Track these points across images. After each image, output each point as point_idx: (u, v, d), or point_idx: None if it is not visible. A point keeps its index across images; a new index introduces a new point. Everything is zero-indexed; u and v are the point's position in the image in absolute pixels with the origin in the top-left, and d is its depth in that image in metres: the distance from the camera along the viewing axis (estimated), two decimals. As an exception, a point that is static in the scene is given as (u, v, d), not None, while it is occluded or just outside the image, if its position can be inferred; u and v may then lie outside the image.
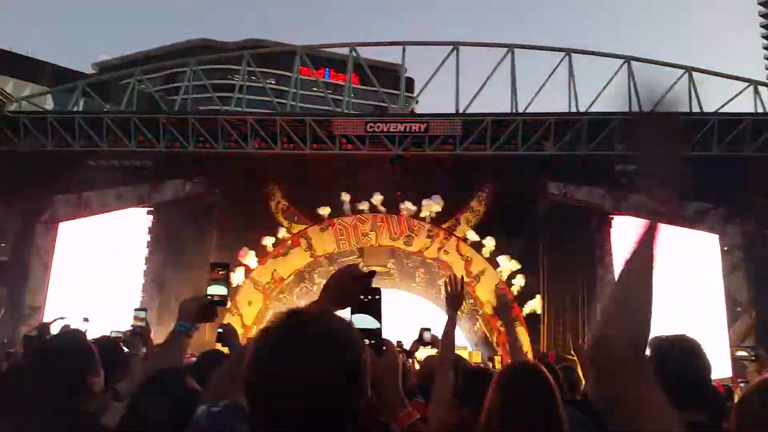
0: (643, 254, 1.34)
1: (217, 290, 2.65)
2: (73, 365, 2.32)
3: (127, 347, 4.50)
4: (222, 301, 2.64)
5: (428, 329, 5.86)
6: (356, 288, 1.69)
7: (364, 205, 21.28)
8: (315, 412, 1.11)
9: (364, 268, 1.81)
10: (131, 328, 4.98)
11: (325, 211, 21.14)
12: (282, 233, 21.30)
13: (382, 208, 21.28)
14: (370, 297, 1.72)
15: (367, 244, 21.36)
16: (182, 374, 2.21)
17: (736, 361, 6.80)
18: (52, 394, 2.19)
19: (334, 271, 1.77)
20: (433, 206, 20.99)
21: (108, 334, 5.74)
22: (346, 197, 21.17)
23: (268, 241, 20.94)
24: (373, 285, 1.74)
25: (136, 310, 5.74)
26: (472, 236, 20.90)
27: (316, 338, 1.15)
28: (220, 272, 2.69)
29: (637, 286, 1.28)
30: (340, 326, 1.22)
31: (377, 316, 1.73)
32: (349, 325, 1.27)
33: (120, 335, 5.30)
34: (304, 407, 1.10)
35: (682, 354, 2.21)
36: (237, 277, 20.34)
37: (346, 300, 1.68)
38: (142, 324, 4.97)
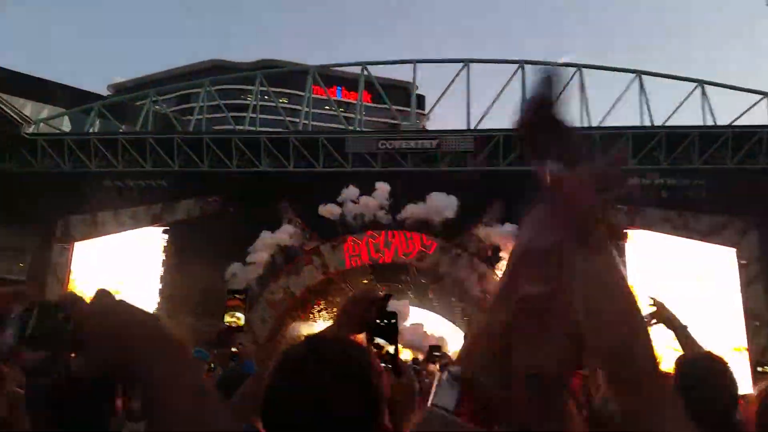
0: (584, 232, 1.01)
1: (234, 318, 2.67)
2: (104, 388, 2.35)
3: None
4: (240, 328, 2.65)
5: (438, 347, 5.90)
6: (373, 311, 1.69)
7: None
8: None
9: (381, 292, 1.81)
10: None
11: (327, 212, 21.01)
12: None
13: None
14: (386, 321, 1.72)
15: (380, 260, 21.33)
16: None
17: (759, 377, 6.64)
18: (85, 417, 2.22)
19: (350, 294, 1.78)
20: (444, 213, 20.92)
21: None
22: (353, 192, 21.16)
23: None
24: (390, 309, 1.75)
25: None
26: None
27: (333, 363, 1.16)
28: (238, 298, 2.69)
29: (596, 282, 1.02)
30: (357, 352, 1.23)
31: (393, 339, 1.73)
32: (367, 351, 1.29)
33: None
34: None
35: (710, 376, 2.09)
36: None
37: (362, 324, 1.68)
38: None
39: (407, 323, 22.53)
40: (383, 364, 1.55)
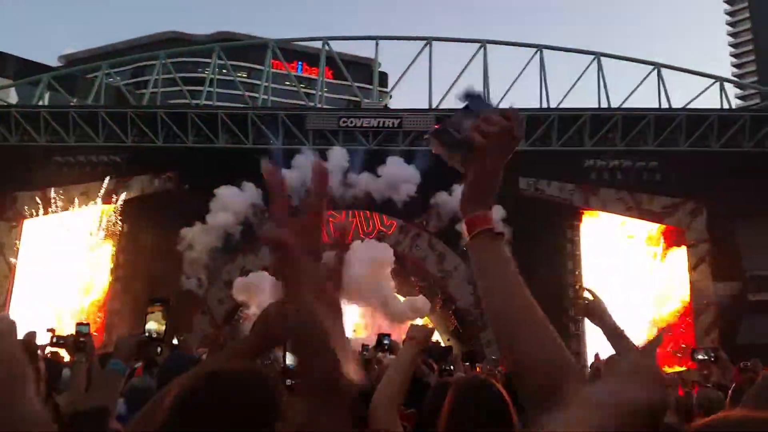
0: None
1: (155, 326, 2.56)
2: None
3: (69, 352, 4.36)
4: (160, 337, 2.55)
5: (387, 335, 5.85)
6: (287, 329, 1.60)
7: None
8: None
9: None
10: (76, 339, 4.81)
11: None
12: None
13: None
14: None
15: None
16: (105, 417, 2.13)
17: (699, 363, 6.82)
18: None
19: (264, 309, 1.64)
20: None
21: (51, 338, 5.57)
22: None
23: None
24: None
25: (78, 325, 5.54)
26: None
27: (235, 405, 1.08)
28: (158, 306, 2.59)
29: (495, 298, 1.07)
30: (261, 389, 1.14)
31: None
32: (272, 387, 1.21)
33: (62, 341, 5.12)
34: None
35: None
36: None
37: (281, 336, 1.57)
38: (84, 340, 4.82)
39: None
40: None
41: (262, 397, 1.12)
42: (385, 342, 5.64)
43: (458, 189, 1.19)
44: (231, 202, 20.26)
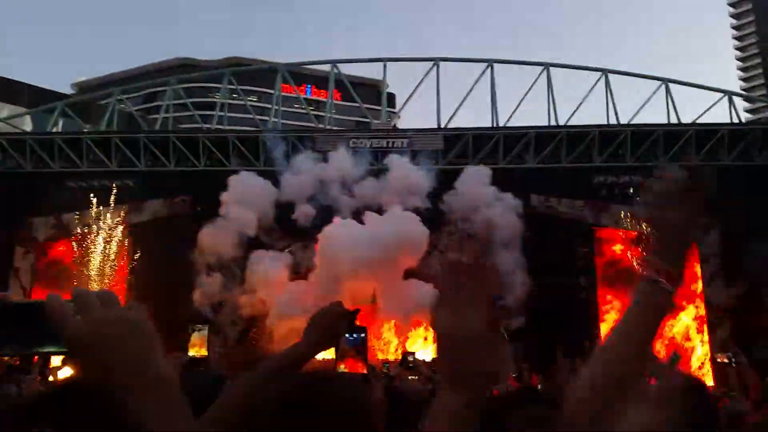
0: None
1: (196, 349, 2.60)
2: None
3: None
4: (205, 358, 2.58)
5: (412, 353, 5.81)
6: (341, 327, 1.62)
7: None
8: None
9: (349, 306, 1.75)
10: None
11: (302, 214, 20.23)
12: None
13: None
14: (355, 336, 1.67)
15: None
16: None
17: (717, 367, 6.78)
18: None
19: (319, 309, 1.69)
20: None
21: None
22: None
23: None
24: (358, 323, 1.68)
25: None
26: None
27: (330, 405, 1.12)
28: (199, 328, 2.62)
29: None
30: (354, 391, 1.19)
31: (363, 353, 1.69)
32: (364, 389, 1.24)
33: None
34: None
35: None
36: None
37: (331, 339, 1.61)
38: None
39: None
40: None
41: (352, 400, 1.16)
42: (410, 359, 5.63)
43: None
44: (250, 193, 19.74)
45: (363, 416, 1.15)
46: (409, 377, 5.47)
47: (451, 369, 0.97)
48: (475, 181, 19.65)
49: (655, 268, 1.17)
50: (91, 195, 20.72)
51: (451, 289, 0.98)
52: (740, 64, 75.13)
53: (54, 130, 23.16)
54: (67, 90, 50.14)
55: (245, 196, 19.54)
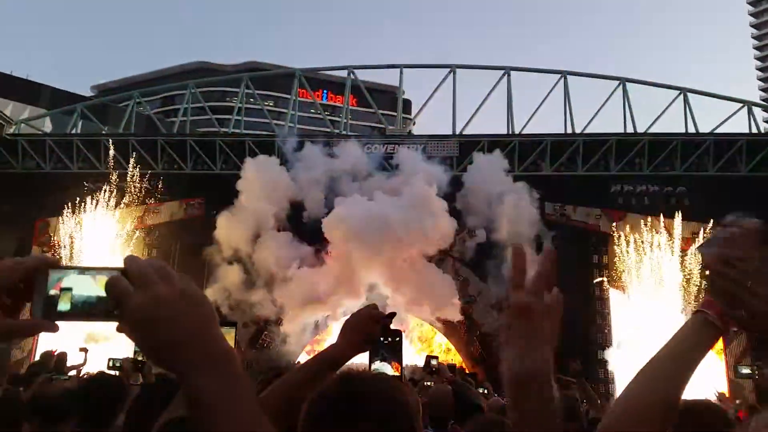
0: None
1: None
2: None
3: (124, 375, 4.47)
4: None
5: (435, 357, 5.75)
6: (377, 330, 1.63)
7: None
8: None
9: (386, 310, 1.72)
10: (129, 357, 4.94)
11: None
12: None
13: None
14: (390, 339, 1.67)
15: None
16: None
17: (736, 378, 6.69)
18: None
19: (355, 312, 1.72)
20: None
21: (108, 361, 5.69)
22: None
23: None
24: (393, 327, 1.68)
25: (110, 360, 5.64)
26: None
27: (371, 404, 1.13)
28: (227, 330, 2.61)
29: None
30: (394, 390, 1.20)
31: (398, 357, 1.68)
32: (403, 389, 1.25)
33: (119, 362, 5.24)
34: None
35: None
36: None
37: (365, 342, 1.63)
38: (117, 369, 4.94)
39: None
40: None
41: (394, 397, 1.17)
42: (433, 363, 5.56)
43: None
44: (267, 179, 19.69)
45: (403, 415, 1.15)
46: (432, 382, 5.44)
47: (520, 409, 1.00)
48: (489, 166, 19.81)
49: (714, 304, 1.23)
50: (109, 195, 20.94)
51: (519, 331, 1.01)
52: (760, 74, 74.37)
53: (73, 131, 23.45)
54: (87, 92, 50.79)
55: (263, 179, 19.47)
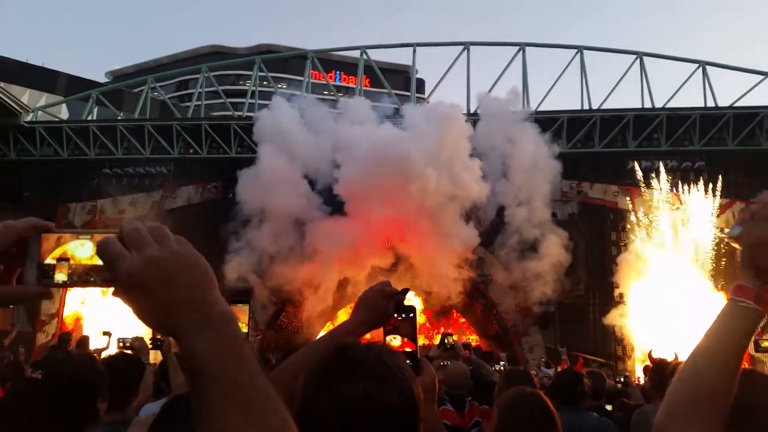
0: None
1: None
2: (84, 393, 2.28)
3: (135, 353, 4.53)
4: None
5: (450, 334, 5.78)
6: (390, 306, 1.62)
7: None
8: None
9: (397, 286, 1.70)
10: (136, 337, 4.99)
11: None
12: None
13: None
14: (404, 315, 1.66)
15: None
16: None
17: (756, 353, 6.64)
18: (57, 422, 2.16)
19: (368, 288, 1.70)
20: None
21: (117, 342, 5.78)
22: None
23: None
24: (407, 303, 1.67)
25: (120, 340, 5.70)
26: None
27: (368, 371, 1.14)
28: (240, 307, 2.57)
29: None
30: (391, 358, 1.20)
31: (412, 334, 1.67)
32: (400, 357, 1.25)
33: (128, 342, 5.30)
34: None
35: None
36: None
37: (379, 318, 1.62)
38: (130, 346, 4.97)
39: None
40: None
41: (390, 365, 1.18)
42: (447, 341, 5.57)
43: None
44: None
45: (402, 379, 1.16)
46: (448, 360, 5.47)
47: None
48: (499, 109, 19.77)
49: (746, 288, 1.21)
50: (127, 181, 21.20)
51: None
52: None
53: (89, 118, 23.62)
54: (102, 78, 51.05)
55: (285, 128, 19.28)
